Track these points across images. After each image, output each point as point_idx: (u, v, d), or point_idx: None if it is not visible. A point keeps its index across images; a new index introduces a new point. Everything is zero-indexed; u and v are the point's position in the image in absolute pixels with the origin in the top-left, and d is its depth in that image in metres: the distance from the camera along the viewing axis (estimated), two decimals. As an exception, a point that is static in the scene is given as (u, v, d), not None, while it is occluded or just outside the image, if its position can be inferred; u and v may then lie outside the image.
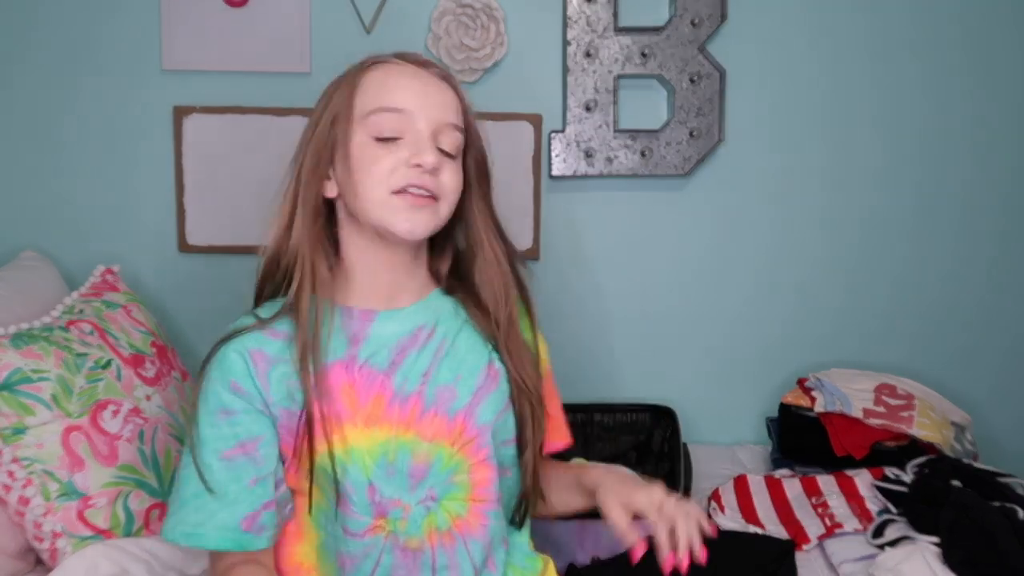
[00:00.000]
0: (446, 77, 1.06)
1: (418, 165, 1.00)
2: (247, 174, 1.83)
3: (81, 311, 1.52)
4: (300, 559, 1.05)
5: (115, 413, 1.40)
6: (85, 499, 1.32)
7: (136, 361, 1.50)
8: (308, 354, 1.00)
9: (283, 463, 1.02)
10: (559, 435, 1.19)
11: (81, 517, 1.32)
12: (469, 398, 1.05)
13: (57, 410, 1.33)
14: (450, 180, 1.03)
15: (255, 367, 1.01)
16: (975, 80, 1.85)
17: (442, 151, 1.02)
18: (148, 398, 1.47)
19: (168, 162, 1.85)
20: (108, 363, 1.45)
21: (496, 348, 1.08)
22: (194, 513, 0.99)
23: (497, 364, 1.08)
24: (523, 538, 1.13)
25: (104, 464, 1.35)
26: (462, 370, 1.06)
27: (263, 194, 1.82)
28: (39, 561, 1.37)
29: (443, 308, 1.10)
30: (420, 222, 1.01)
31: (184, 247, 1.86)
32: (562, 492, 1.16)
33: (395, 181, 1.00)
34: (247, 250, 1.85)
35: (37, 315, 1.48)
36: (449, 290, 1.12)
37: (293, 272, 1.04)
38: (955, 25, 1.83)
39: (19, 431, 1.30)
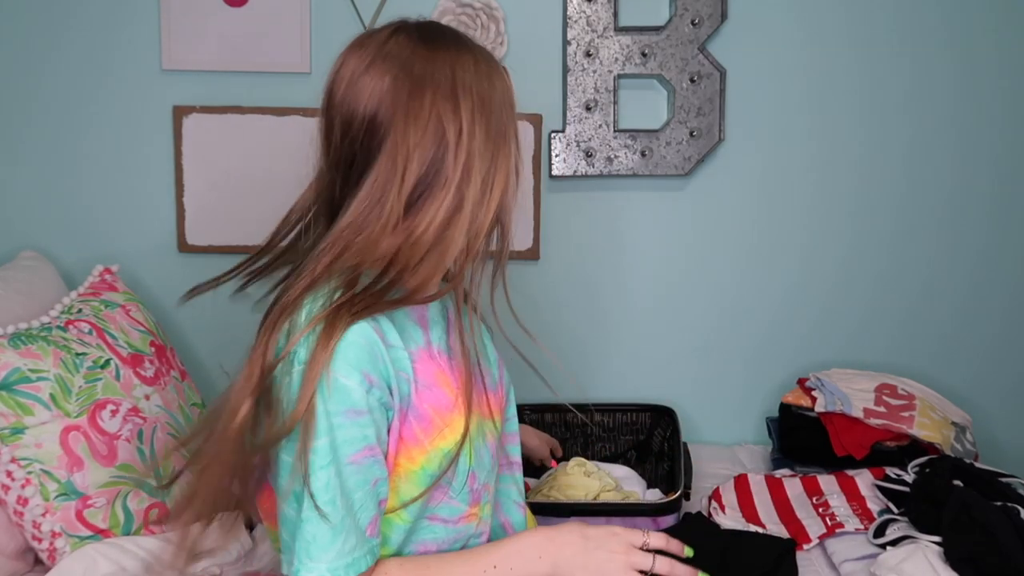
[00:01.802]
0: None
1: None
2: (247, 174, 1.83)
3: (80, 311, 1.52)
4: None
5: (114, 413, 1.40)
6: (84, 499, 1.32)
7: (135, 361, 1.50)
8: (458, 340, 0.95)
9: None
10: None
11: (80, 517, 1.31)
12: (500, 371, 1.08)
13: (56, 410, 1.33)
14: None
15: (384, 346, 0.91)
16: (969, 80, 1.85)
17: None
18: (147, 397, 1.47)
19: (168, 162, 1.84)
20: (107, 363, 1.44)
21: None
22: (348, 539, 0.88)
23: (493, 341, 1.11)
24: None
25: (103, 464, 1.35)
26: (486, 348, 1.07)
27: (262, 194, 1.83)
28: (38, 561, 1.37)
29: (448, 293, 1.07)
30: None
31: (183, 247, 1.86)
32: None
33: None
34: (246, 250, 1.86)
35: (36, 315, 1.48)
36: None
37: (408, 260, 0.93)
38: (955, 26, 1.83)
39: (18, 431, 1.30)
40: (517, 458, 1.12)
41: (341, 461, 0.88)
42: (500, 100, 0.97)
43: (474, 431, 0.97)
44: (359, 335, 0.89)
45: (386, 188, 0.91)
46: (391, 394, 0.92)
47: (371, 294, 0.91)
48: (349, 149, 0.96)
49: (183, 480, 1.01)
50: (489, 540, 1.03)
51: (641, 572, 0.91)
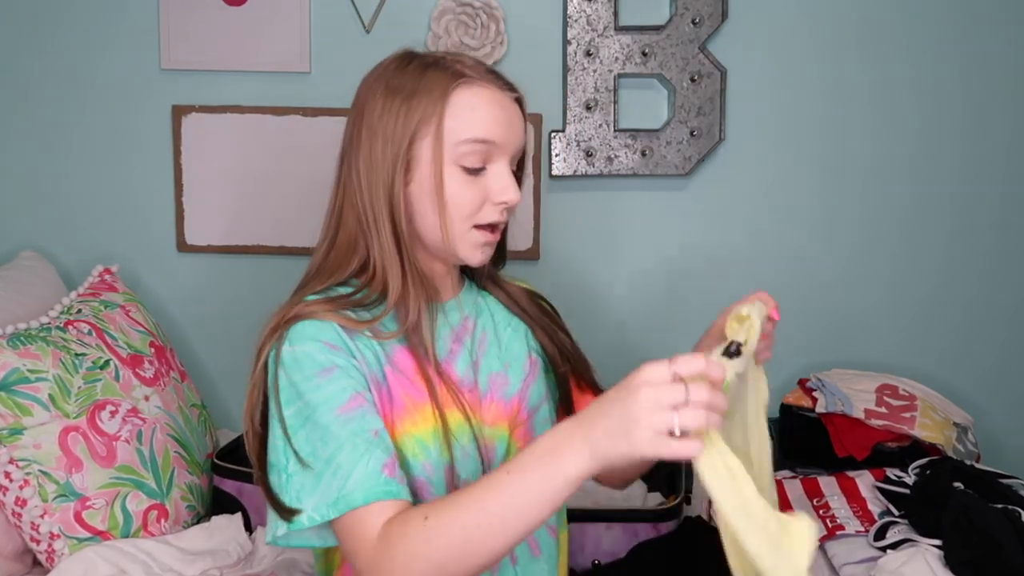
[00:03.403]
0: (519, 100, 1.04)
1: (504, 202, 1.00)
2: (246, 174, 1.83)
3: (79, 311, 1.52)
4: None
5: (113, 413, 1.40)
6: (83, 500, 1.32)
7: (134, 361, 1.50)
8: (425, 343, 0.98)
9: None
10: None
11: (79, 518, 1.31)
12: (520, 384, 1.07)
13: (55, 410, 1.33)
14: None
15: (345, 332, 0.95)
16: (973, 79, 1.84)
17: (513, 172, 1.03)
18: (146, 398, 1.47)
19: (167, 162, 1.84)
20: (106, 363, 1.44)
21: (532, 335, 1.13)
22: (330, 482, 0.87)
23: (535, 354, 1.12)
24: None
25: (102, 465, 1.35)
26: (509, 358, 1.08)
27: (262, 194, 1.83)
28: (36, 562, 1.37)
29: (478, 301, 1.12)
30: (490, 252, 1.04)
31: (183, 247, 1.86)
32: None
33: (481, 217, 1.00)
34: (246, 250, 1.87)
35: (35, 315, 1.48)
36: (480, 285, 1.15)
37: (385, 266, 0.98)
38: (953, 25, 1.83)
39: (16, 431, 1.30)
40: None
41: (327, 416, 0.89)
42: (420, 109, 0.96)
43: (455, 429, 0.98)
44: (310, 323, 0.94)
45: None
46: (357, 360, 0.94)
47: (337, 299, 0.97)
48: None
49: None
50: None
51: (675, 407, 0.73)
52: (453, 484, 0.96)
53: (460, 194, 0.98)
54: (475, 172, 0.98)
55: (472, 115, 0.97)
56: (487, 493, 0.80)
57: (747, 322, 0.88)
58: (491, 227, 1.01)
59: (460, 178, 0.97)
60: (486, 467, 1.00)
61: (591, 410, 0.78)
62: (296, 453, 0.89)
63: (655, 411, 0.73)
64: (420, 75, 0.98)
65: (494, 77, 1.01)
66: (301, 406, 0.90)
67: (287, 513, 0.88)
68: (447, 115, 0.96)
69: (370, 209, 0.98)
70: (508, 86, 1.03)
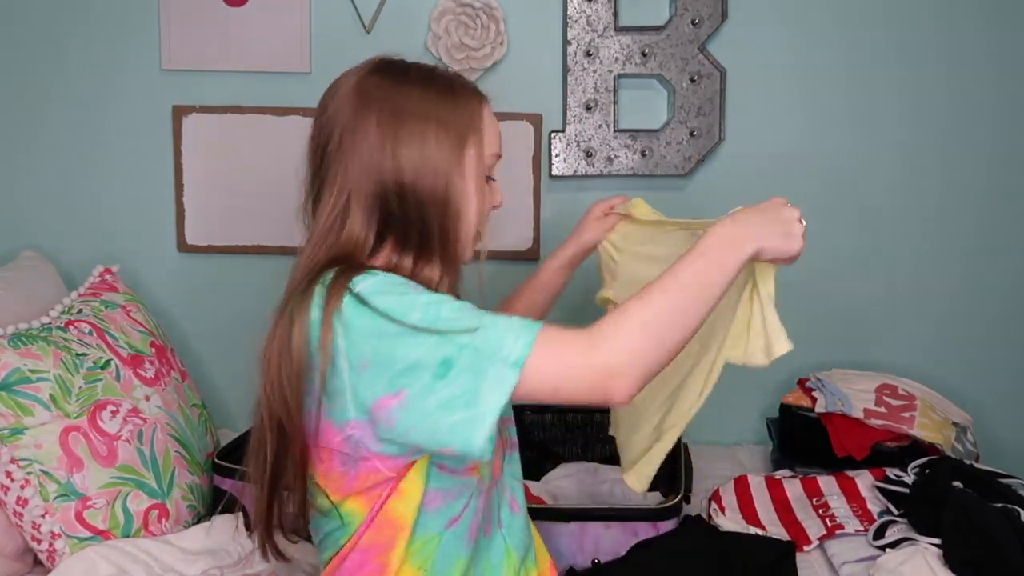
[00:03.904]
0: None
1: (496, 206, 1.11)
2: (246, 174, 1.83)
3: (80, 311, 1.52)
4: (396, 515, 1.00)
5: (114, 413, 1.40)
6: (84, 500, 1.32)
7: (135, 361, 1.50)
8: None
9: None
10: None
11: (80, 518, 1.31)
12: None
13: (56, 410, 1.33)
14: None
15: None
16: (966, 80, 1.84)
17: None
18: (147, 398, 1.47)
19: (167, 162, 1.84)
20: (107, 363, 1.44)
21: None
22: (505, 323, 0.90)
23: None
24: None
25: (103, 464, 1.35)
26: None
27: (262, 194, 1.83)
28: (37, 562, 1.37)
29: None
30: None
31: (183, 247, 1.86)
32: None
33: (484, 222, 1.08)
34: (246, 250, 1.87)
35: (36, 315, 1.48)
36: None
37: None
38: (955, 24, 1.83)
39: (17, 431, 1.30)
40: (514, 439, 1.15)
41: (443, 305, 0.91)
42: (457, 128, 1.03)
43: None
44: (370, 272, 0.95)
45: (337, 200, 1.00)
46: None
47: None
48: (313, 168, 1.05)
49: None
50: (489, 509, 1.06)
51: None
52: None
53: (486, 200, 1.07)
54: (489, 181, 1.09)
55: (493, 131, 1.08)
56: (679, 273, 0.95)
57: None
58: (482, 228, 1.09)
59: (486, 187, 1.08)
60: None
61: (746, 219, 1.06)
62: (458, 330, 0.89)
63: (799, 221, 1.11)
64: (451, 85, 1.05)
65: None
66: (424, 305, 0.91)
67: (493, 374, 0.87)
68: (486, 133, 1.06)
69: (419, 208, 1.00)
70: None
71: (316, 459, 0.98)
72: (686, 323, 0.94)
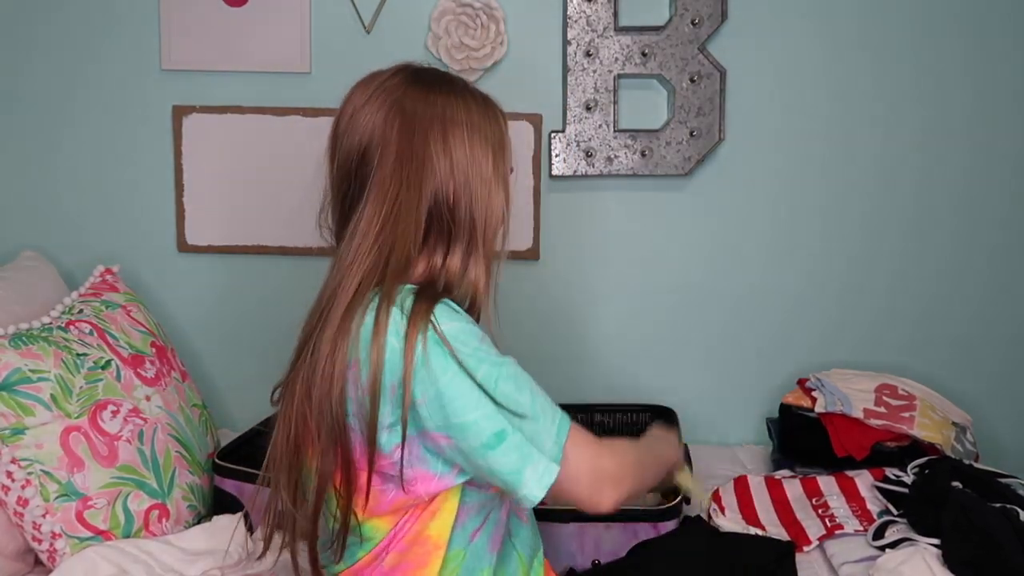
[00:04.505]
0: None
1: None
2: (246, 174, 1.83)
3: (80, 311, 1.52)
4: (434, 532, 1.03)
5: (115, 413, 1.40)
6: (84, 500, 1.32)
7: (136, 361, 1.50)
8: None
9: None
10: None
11: (80, 518, 1.31)
12: None
13: (56, 410, 1.33)
14: None
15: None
16: (975, 77, 1.84)
17: None
18: (148, 398, 1.47)
19: (167, 162, 1.85)
20: (108, 363, 1.44)
21: None
22: (549, 420, 1.00)
23: None
24: None
25: (103, 465, 1.35)
26: None
27: (263, 194, 1.83)
28: (38, 562, 1.37)
29: None
30: None
31: (183, 247, 1.86)
32: None
33: (508, 224, 1.12)
34: (246, 250, 1.87)
35: (37, 315, 1.48)
36: None
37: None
38: (955, 23, 1.82)
39: (18, 431, 1.30)
40: None
41: (511, 369, 0.98)
42: (493, 139, 1.08)
43: None
44: (442, 305, 0.98)
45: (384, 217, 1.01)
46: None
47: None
48: (346, 177, 1.06)
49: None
50: (505, 520, 1.09)
51: None
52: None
53: (510, 208, 1.11)
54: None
55: (511, 147, 1.12)
56: (647, 445, 1.20)
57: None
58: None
59: (510, 195, 1.11)
60: None
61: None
62: (511, 411, 0.96)
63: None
64: (486, 102, 1.10)
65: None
66: (487, 368, 0.96)
67: (535, 466, 0.96)
68: (506, 142, 1.11)
69: (470, 212, 1.05)
70: None
71: (353, 476, 1.00)
72: (657, 470, 1.19)
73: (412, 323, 0.94)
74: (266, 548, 1.10)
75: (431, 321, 0.95)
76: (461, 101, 1.06)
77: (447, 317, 0.96)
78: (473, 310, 1.06)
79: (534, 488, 0.96)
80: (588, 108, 1.81)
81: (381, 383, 0.95)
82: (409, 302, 0.96)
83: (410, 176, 1.01)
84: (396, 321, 0.95)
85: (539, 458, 0.96)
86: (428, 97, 1.04)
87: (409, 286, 1.00)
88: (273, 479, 1.03)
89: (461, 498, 1.02)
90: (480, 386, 0.94)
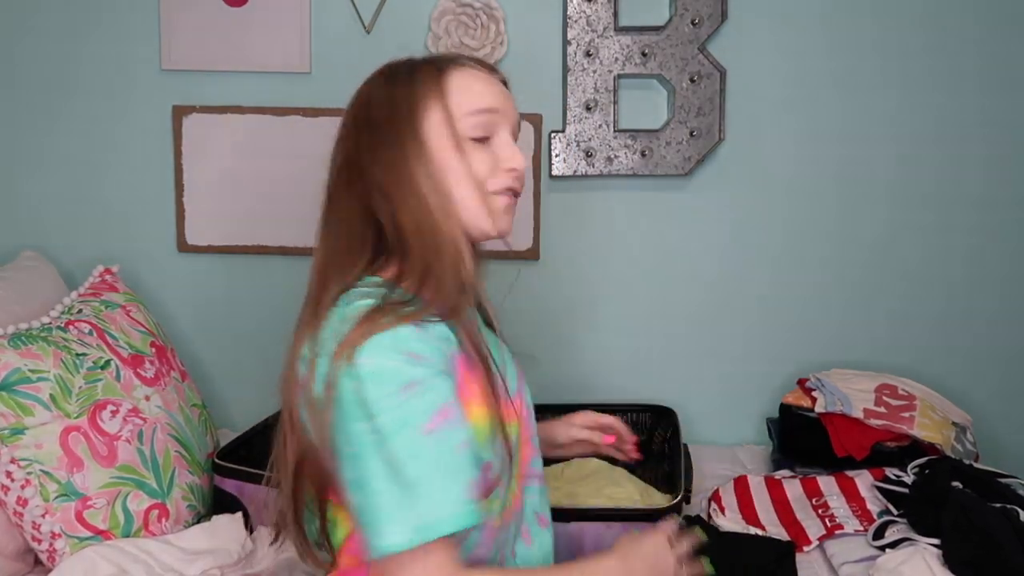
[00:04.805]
0: (506, 82, 1.09)
1: (513, 169, 1.03)
2: (246, 174, 1.83)
3: (80, 311, 1.52)
4: None
5: (114, 413, 1.40)
6: (84, 500, 1.32)
7: (135, 361, 1.50)
8: (479, 348, 0.99)
9: None
10: None
11: (80, 518, 1.31)
12: (516, 382, 1.10)
13: (56, 410, 1.33)
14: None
15: (419, 331, 0.93)
16: (962, 79, 1.84)
17: None
18: (147, 398, 1.47)
19: (167, 162, 1.85)
20: (107, 363, 1.44)
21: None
22: (416, 506, 0.87)
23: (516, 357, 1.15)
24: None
25: (103, 464, 1.35)
26: (506, 357, 1.11)
27: (262, 194, 1.83)
28: (38, 562, 1.37)
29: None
30: (511, 219, 1.05)
31: (183, 247, 1.86)
32: None
33: (495, 184, 1.02)
34: (246, 250, 1.87)
35: (36, 315, 1.48)
36: None
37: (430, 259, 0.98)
38: (956, 23, 1.83)
39: (18, 431, 1.30)
40: (537, 471, 1.13)
41: (412, 435, 0.88)
42: (409, 106, 1.00)
43: (493, 425, 0.98)
44: (384, 335, 0.90)
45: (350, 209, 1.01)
46: (439, 360, 0.93)
47: (398, 303, 0.95)
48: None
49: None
50: (504, 542, 1.04)
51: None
52: (487, 478, 0.96)
53: (477, 162, 1.01)
54: (483, 141, 1.02)
55: (471, 90, 1.02)
56: None
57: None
58: (510, 191, 1.03)
59: (473, 149, 1.01)
60: (507, 467, 1.00)
61: (634, 566, 0.99)
62: (384, 469, 0.87)
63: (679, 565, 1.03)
64: (412, 69, 1.03)
65: (478, 62, 1.07)
66: (383, 428, 0.87)
67: (377, 533, 0.87)
68: (449, 94, 1.01)
69: (397, 217, 0.98)
70: (493, 70, 1.07)
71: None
72: None
73: (339, 348, 0.90)
74: (275, 543, 1.08)
75: (356, 349, 0.89)
76: (384, 88, 1.03)
77: (378, 349, 0.89)
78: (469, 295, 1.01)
79: (375, 544, 0.87)
80: (588, 108, 1.81)
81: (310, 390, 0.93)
82: (349, 323, 0.91)
83: (345, 175, 1.02)
84: (329, 337, 0.92)
85: (385, 527, 0.86)
86: (363, 91, 1.05)
87: (373, 290, 0.96)
88: (274, 479, 1.03)
89: None
90: (373, 431, 0.87)
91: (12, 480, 1.30)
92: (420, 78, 1.01)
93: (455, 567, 0.89)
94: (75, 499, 1.32)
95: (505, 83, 1.08)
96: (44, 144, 1.85)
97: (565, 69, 1.81)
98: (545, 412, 1.78)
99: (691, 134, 1.81)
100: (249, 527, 1.42)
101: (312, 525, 1.01)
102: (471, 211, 1.00)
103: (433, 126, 0.99)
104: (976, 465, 1.56)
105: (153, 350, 1.57)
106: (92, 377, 1.40)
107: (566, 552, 1.35)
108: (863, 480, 1.54)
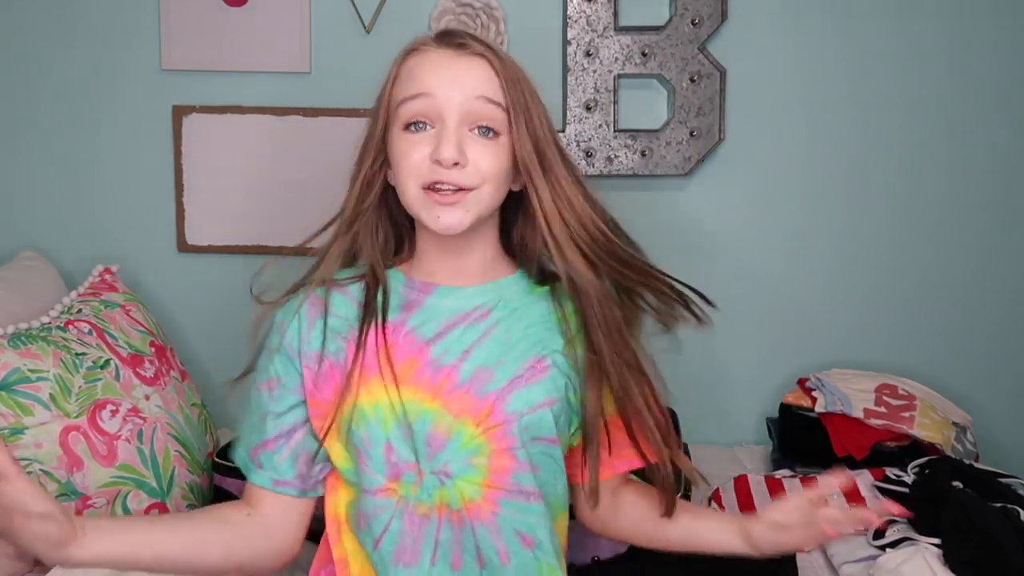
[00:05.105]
0: (483, 53, 0.99)
1: (437, 161, 0.96)
2: (246, 174, 1.83)
3: (80, 311, 1.52)
4: (336, 511, 1.05)
5: (114, 413, 1.40)
6: (84, 499, 1.32)
7: (135, 361, 1.50)
8: (368, 315, 1.03)
9: (306, 415, 1.05)
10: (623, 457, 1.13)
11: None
12: (504, 383, 1.00)
13: (56, 410, 1.33)
14: (486, 162, 0.98)
15: (306, 313, 1.05)
16: (967, 78, 1.84)
17: (482, 127, 0.98)
18: (147, 398, 1.47)
19: (167, 162, 1.85)
20: (107, 363, 1.44)
21: (567, 347, 1.06)
22: (243, 432, 1.09)
23: (551, 361, 1.03)
24: (555, 544, 1.05)
25: (103, 464, 1.35)
26: (506, 355, 1.02)
27: (262, 194, 1.83)
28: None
29: (511, 293, 1.06)
30: (453, 218, 0.97)
31: (183, 247, 1.86)
32: (658, 522, 1.14)
33: (423, 177, 0.97)
34: (246, 250, 1.87)
35: (36, 315, 1.48)
36: (552, 277, 1.09)
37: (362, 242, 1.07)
38: (962, 21, 1.82)
39: (17, 431, 1.30)
40: (530, 487, 1.01)
41: (254, 388, 1.08)
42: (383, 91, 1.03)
43: (398, 404, 0.99)
44: (294, 299, 1.06)
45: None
46: (297, 342, 1.04)
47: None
48: None
49: None
50: (431, 527, 1.00)
51: None
52: (390, 460, 0.99)
53: (404, 154, 0.98)
54: (419, 130, 0.98)
55: (410, 76, 0.99)
56: None
57: None
58: (435, 188, 0.97)
59: (406, 139, 0.99)
60: (431, 454, 0.98)
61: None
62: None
63: None
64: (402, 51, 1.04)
65: (449, 39, 1.00)
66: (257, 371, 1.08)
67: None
68: (395, 84, 1.01)
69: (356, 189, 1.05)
70: (463, 46, 0.99)
71: None
72: None
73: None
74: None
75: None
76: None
77: (277, 317, 1.07)
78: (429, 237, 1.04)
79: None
80: (588, 108, 1.81)
81: None
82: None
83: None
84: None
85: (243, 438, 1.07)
86: None
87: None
88: None
89: (353, 492, 1.04)
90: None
91: (12, 480, 1.30)
92: (393, 63, 1.03)
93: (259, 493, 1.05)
94: (75, 499, 1.32)
95: (485, 57, 0.99)
96: (44, 144, 1.85)
97: (565, 69, 1.81)
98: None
99: (691, 134, 1.82)
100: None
101: None
102: (411, 204, 0.99)
103: (382, 115, 1.01)
104: (976, 465, 1.56)
105: (153, 350, 1.57)
106: (92, 377, 1.40)
107: (566, 549, 1.35)
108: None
